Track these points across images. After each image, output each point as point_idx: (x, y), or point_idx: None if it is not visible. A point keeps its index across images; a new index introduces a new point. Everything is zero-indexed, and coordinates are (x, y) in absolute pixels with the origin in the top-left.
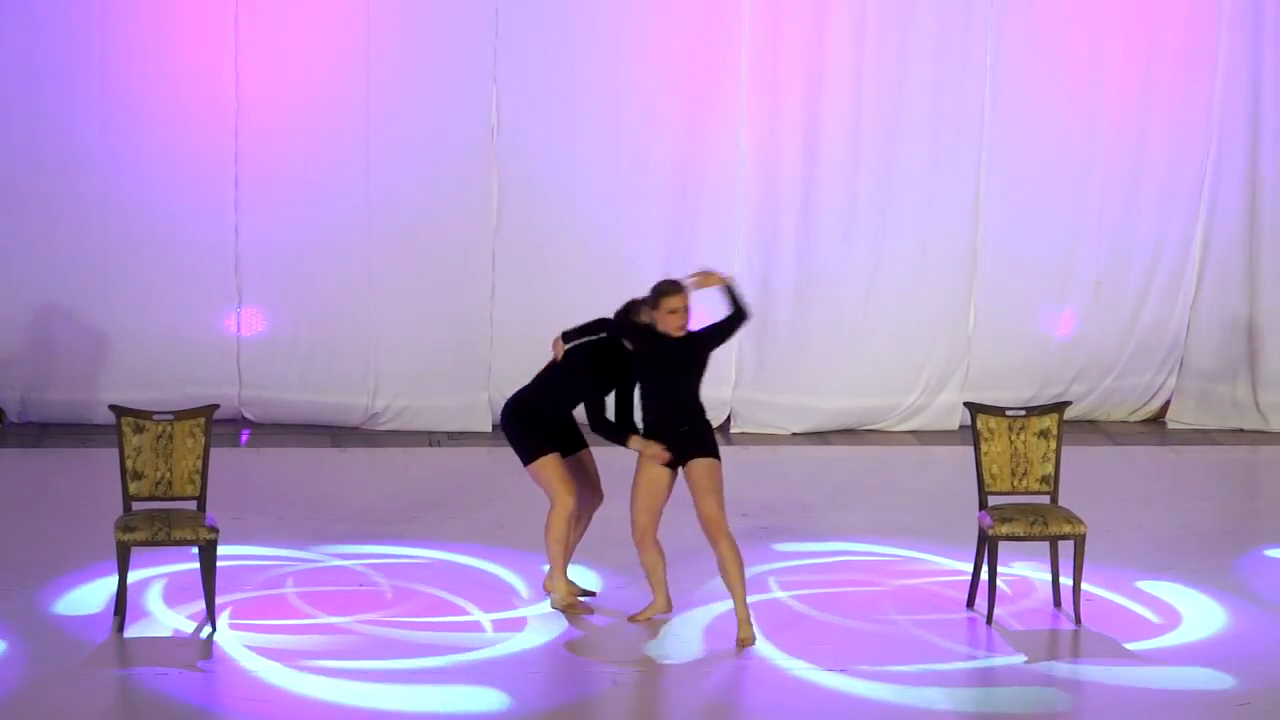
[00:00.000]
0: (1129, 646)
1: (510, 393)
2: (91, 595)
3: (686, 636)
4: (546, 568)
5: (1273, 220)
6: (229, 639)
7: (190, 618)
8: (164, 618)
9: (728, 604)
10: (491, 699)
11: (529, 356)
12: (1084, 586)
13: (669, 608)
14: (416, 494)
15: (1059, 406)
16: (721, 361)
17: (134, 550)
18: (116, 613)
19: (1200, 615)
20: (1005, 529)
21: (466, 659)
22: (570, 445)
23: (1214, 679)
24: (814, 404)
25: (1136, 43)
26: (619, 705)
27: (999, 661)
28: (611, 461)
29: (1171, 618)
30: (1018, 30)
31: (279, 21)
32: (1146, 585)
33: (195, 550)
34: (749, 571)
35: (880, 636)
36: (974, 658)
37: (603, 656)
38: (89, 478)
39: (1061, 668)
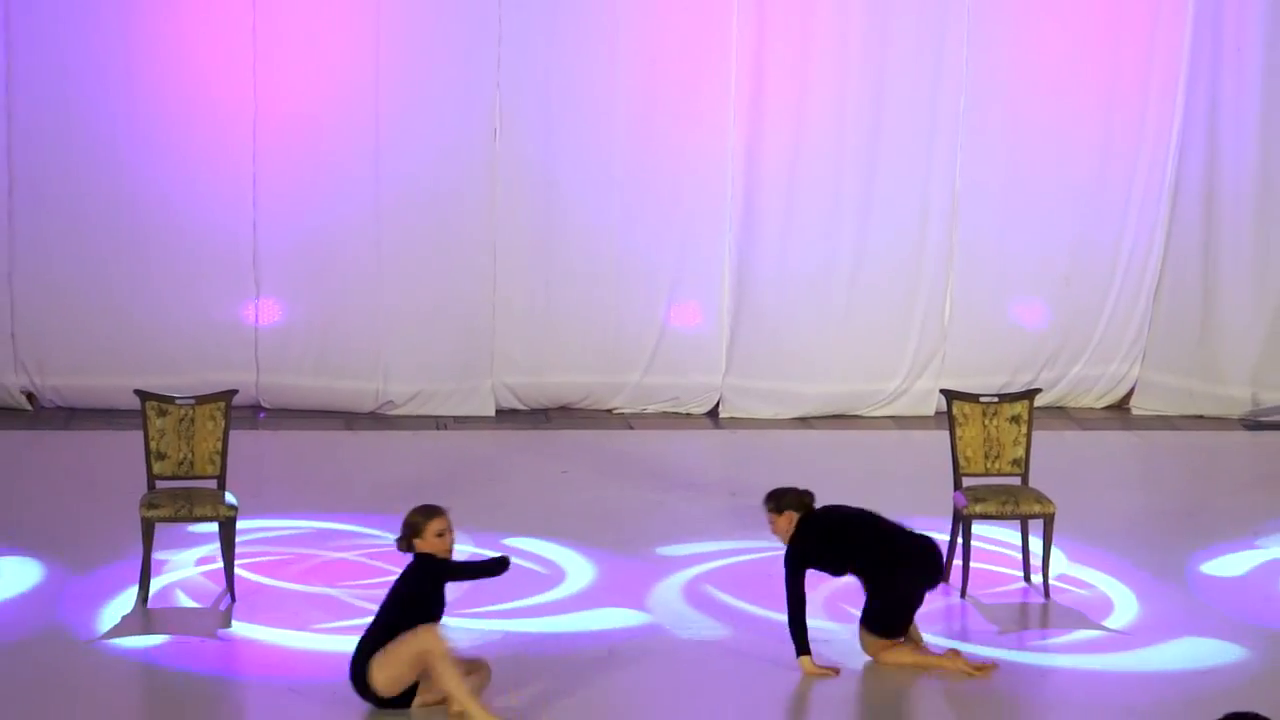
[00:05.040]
0: (1094, 618)
1: (514, 379)
2: (117, 568)
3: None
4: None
5: (1231, 220)
6: (246, 609)
7: (210, 590)
8: (185, 590)
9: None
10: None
11: (528, 343)
12: (1052, 562)
13: None
14: (424, 475)
15: (1030, 393)
16: (711, 350)
17: (157, 526)
18: (141, 585)
19: (1159, 588)
20: (979, 508)
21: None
22: None
23: (1177, 649)
24: (798, 390)
25: (1103, 52)
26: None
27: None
28: (606, 445)
29: (1135, 591)
30: (992, 41)
31: (294, 30)
32: (1111, 561)
33: (216, 526)
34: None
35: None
36: (949, 629)
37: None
38: (115, 458)
39: (1031, 637)
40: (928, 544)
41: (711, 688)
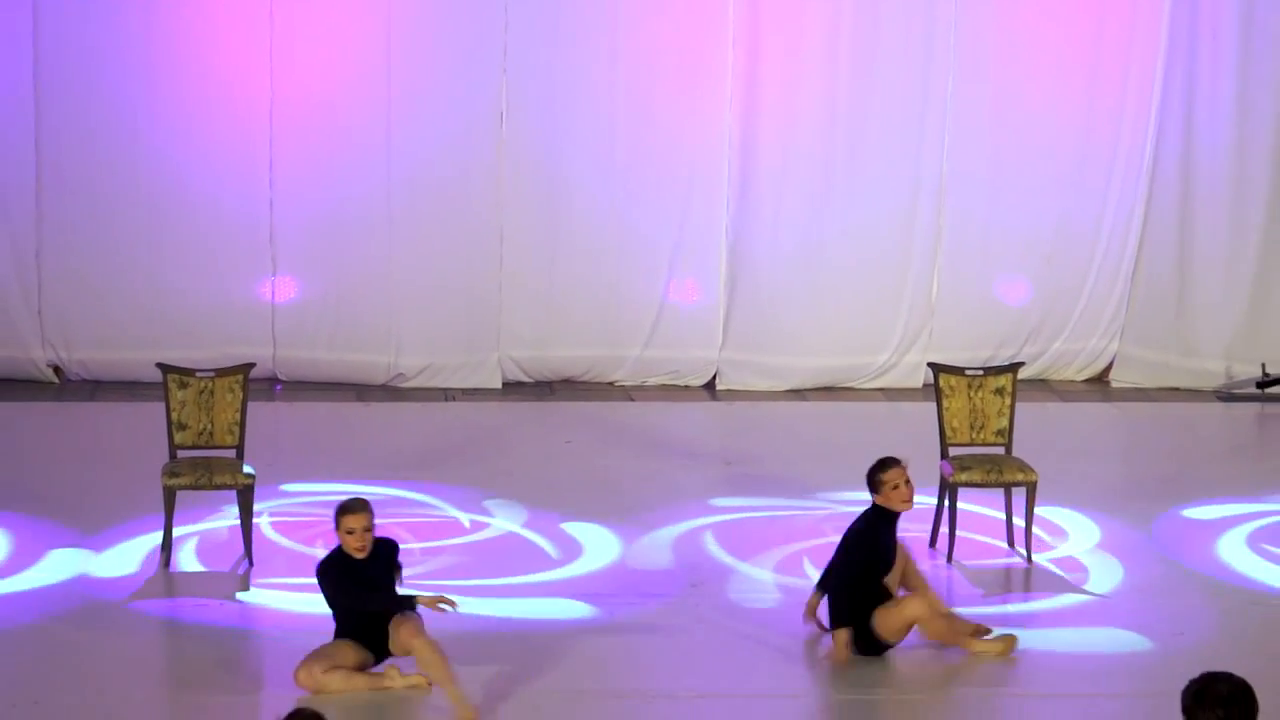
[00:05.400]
0: (1075, 582)
1: (519, 353)
2: (141, 534)
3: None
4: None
5: (1206, 200)
6: (263, 572)
7: (229, 554)
8: (205, 554)
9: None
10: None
11: (533, 319)
12: (1034, 528)
13: None
14: (433, 444)
15: (1013, 367)
16: (709, 325)
17: (179, 493)
18: (163, 549)
19: (1137, 553)
20: (964, 476)
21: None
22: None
23: (1154, 611)
24: (792, 364)
25: (1085, 40)
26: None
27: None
28: (608, 416)
29: (1114, 555)
30: (979, 28)
31: (309, 21)
32: (1092, 527)
33: (234, 493)
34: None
35: None
36: (936, 592)
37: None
38: (138, 429)
39: (1014, 600)
40: None
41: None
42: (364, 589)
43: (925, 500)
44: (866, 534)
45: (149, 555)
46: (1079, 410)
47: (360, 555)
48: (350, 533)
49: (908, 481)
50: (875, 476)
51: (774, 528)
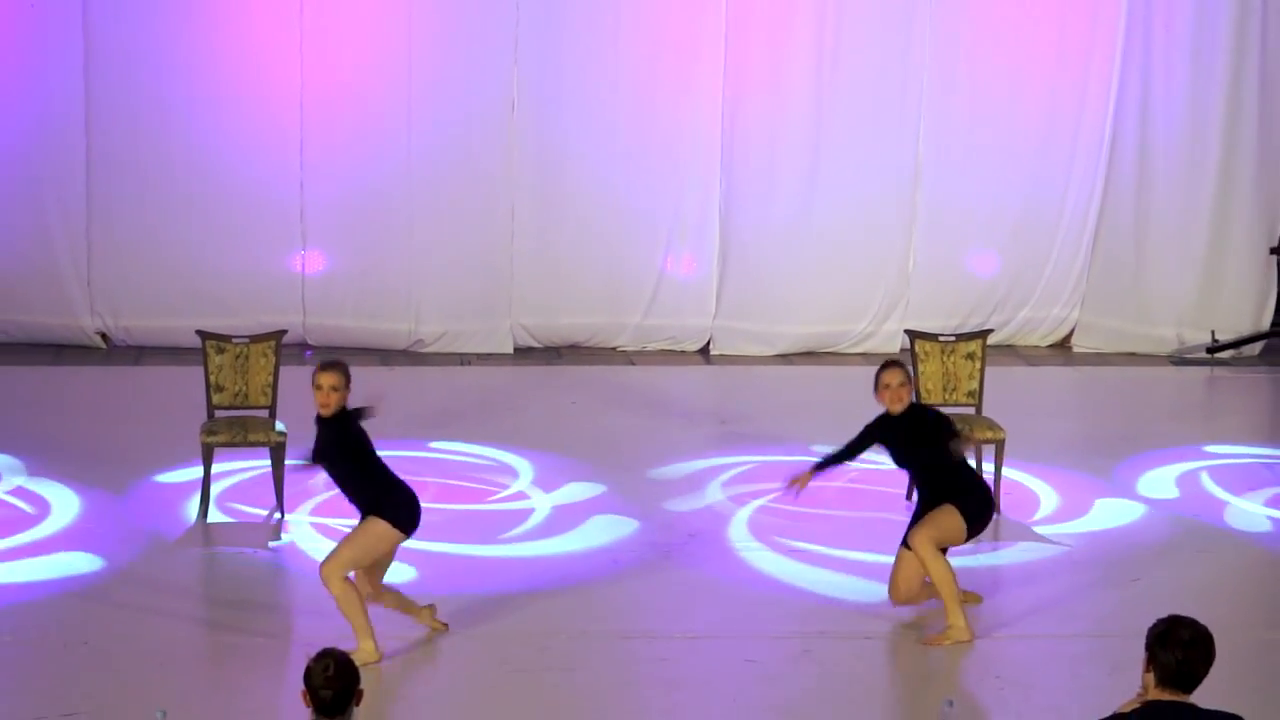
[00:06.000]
0: (1039, 530)
1: (529, 321)
2: (181, 488)
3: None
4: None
5: (1162, 181)
6: (293, 523)
7: (262, 505)
8: (241, 506)
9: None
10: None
11: (542, 289)
12: (1003, 481)
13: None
14: (450, 404)
15: (983, 333)
16: (703, 295)
17: (216, 450)
18: (201, 501)
19: (1098, 503)
20: None
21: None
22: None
23: (1113, 554)
24: (780, 331)
25: (1050, 31)
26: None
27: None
28: (610, 378)
29: (1075, 504)
30: (953, 25)
31: (336, 14)
32: (1055, 479)
33: (267, 450)
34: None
35: (834, 520)
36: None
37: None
38: (179, 391)
39: (984, 547)
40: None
41: (707, 592)
42: (315, 446)
43: None
44: (868, 427)
45: (188, 506)
46: (1043, 373)
47: (324, 412)
48: (318, 388)
49: (902, 384)
50: (876, 377)
51: (763, 475)
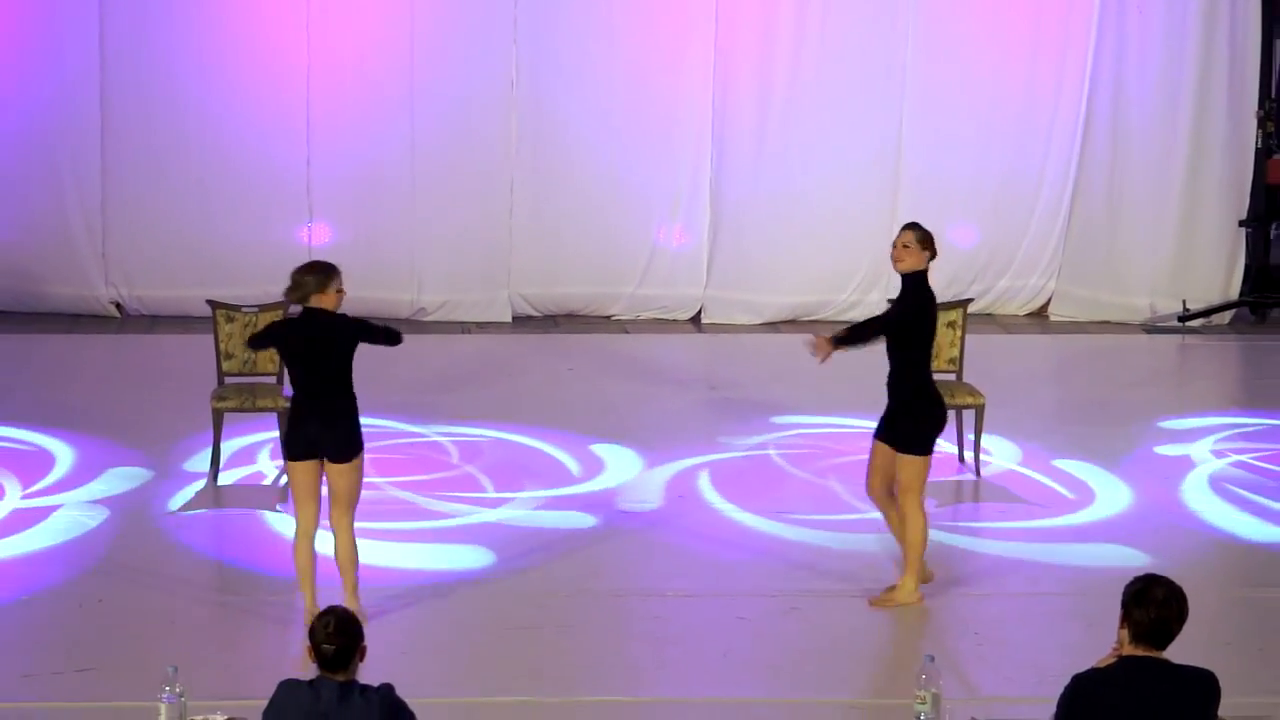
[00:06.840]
0: (1016, 492)
1: (528, 290)
2: (192, 451)
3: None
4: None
5: (1136, 153)
6: None
7: (270, 469)
8: (250, 469)
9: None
10: (480, 557)
11: (539, 260)
12: (981, 445)
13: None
14: (451, 372)
15: (963, 303)
16: (694, 265)
17: (226, 415)
18: (212, 464)
19: (1073, 466)
20: None
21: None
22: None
23: (1088, 517)
24: (768, 300)
25: (1027, 13)
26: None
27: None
28: (605, 346)
29: (1052, 470)
30: (935, 5)
31: None
32: (1032, 444)
33: (275, 415)
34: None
35: (817, 487)
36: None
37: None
38: (190, 358)
39: (964, 511)
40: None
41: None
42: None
43: None
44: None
45: (199, 469)
46: (1021, 341)
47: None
48: (340, 291)
49: (904, 245)
50: None
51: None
